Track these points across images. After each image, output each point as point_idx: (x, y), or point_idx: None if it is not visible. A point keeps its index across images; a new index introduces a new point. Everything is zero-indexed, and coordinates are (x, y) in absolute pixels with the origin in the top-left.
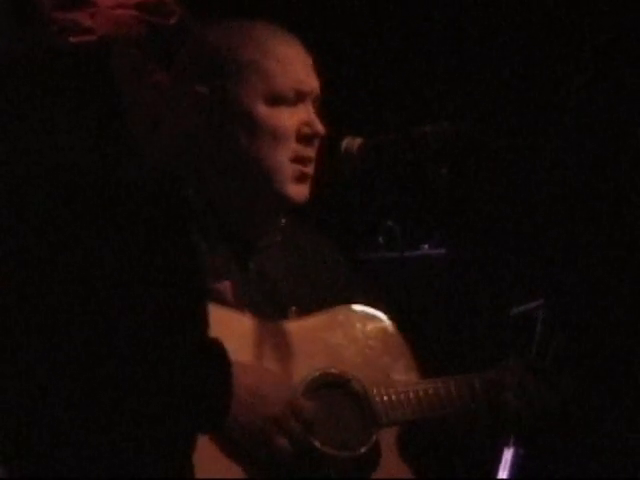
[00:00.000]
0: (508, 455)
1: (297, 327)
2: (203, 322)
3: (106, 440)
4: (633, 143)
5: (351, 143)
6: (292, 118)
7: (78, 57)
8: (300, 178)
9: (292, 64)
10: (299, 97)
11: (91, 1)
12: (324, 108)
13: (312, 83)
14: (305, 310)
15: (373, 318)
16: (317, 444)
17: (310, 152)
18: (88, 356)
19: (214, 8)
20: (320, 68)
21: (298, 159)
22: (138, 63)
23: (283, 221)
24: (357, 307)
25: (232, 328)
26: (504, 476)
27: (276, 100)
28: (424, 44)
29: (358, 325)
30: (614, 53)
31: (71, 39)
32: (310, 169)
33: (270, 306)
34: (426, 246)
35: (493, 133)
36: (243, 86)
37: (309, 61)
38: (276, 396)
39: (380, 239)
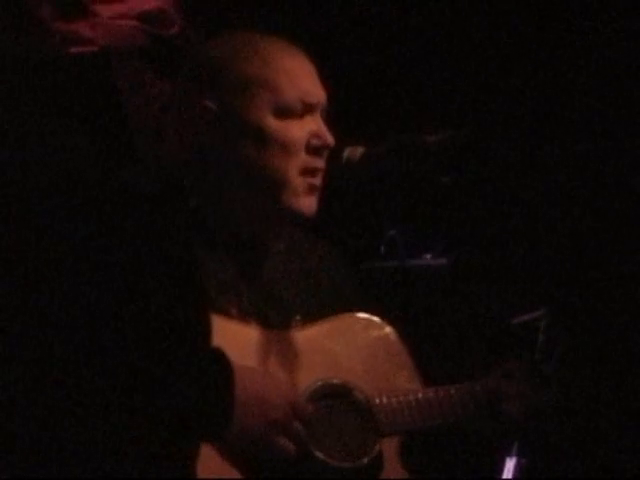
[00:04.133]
0: (510, 465)
1: (300, 336)
2: (205, 331)
3: (106, 448)
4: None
5: (353, 153)
6: (301, 130)
7: (79, 67)
8: (310, 190)
9: (298, 76)
10: (307, 109)
11: (92, 12)
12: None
13: (319, 94)
14: (309, 319)
15: (376, 326)
16: (319, 454)
17: (319, 163)
18: (87, 363)
19: (215, 19)
20: (322, 78)
21: (308, 171)
22: (139, 74)
23: (287, 230)
24: (360, 315)
25: (237, 339)
26: None
27: (284, 113)
28: (425, 53)
29: (361, 333)
30: (617, 56)
31: (72, 50)
32: (319, 180)
33: (274, 315)
34: (428, 255)
35: (496, 142)
36: (251, 100)
37: (314, 72)
38: (279, 401)
39: (382, 248)
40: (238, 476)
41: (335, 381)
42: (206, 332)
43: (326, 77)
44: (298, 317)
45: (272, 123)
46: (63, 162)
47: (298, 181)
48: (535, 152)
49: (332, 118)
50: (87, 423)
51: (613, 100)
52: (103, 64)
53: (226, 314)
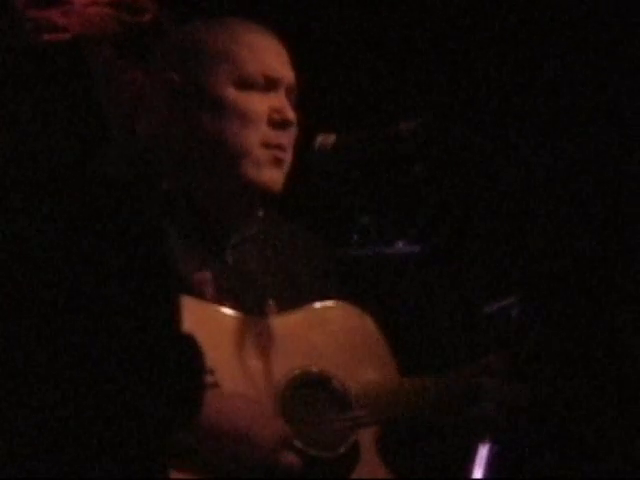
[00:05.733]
0: (484, 452)
1: (277, 323)
2: (176, 316)
3: (73, 437)
4: (609, 140)
5: (325, 140)
6: (262, 103)
7: (51, 55)
8: (273, 163)
9: (261, 50)
10: (270, 84)
11: None
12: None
13: (284, 72)
14: (283, 303)
15: (353, 315)
16: (297, 443)
17: (282, 138)
18: (53, 350)
19: (188, 7)
20: (295, 65)
21: (269, 144)
22: (112, 60)
23: (260, 214)
24: (337, 303)
25: (212, 323)
26: (479, 473)
27: (245, 85)
28: (398, 40)
29: (338, 322)
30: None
31: (45, 37)
32: (284, 156)
33: (248, 299)
34: (401, 243)
35: (468, 129)
36: (214, 72)
37: (283, 53)
38: (267, 434)
39: (354, 236)
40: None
41: (313, 369)
42: (178, 316)
43: (300, 64)
44: (271, 301)
45: (232, 93)
46: (35, 149)
47: (259, 152)
48: (507, 139)
49: (304, 105)
50: (56, 418)
51: (587, 84)
52: (75, 51)
53: (201, 297)
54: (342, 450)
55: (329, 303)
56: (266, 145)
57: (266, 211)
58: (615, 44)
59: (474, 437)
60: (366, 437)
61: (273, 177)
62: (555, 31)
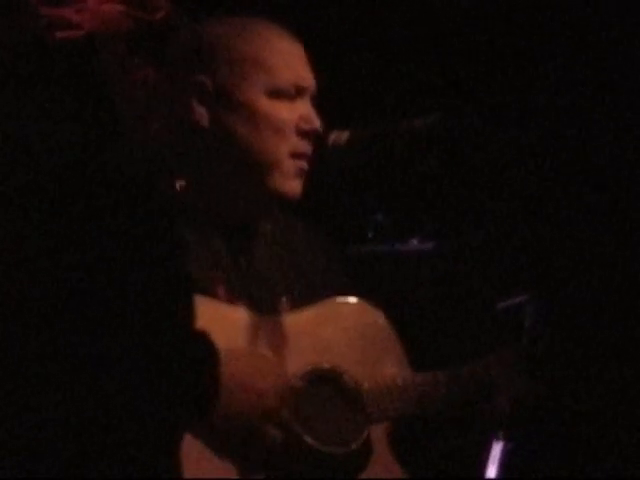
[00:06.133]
0: (497, 449)
1: (289, 320)
2: (189, 313)
3: (88, 433)
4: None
5: (339, 137)
6: (291, 113)
7: (65, 52)
8: (298, 174)
9: (293, 59)
10: (298, 92)
11: None
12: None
13: (310, 79)
14: (296, 300)
15: (365, 311)
16: (308, 439)
17: (308, 148)
18: (68, 346)
19: (201, 5)
20: (310, 62)
21: (297, 154)
22: (125, 58)
23: (274, 212)
24: (349, 299)
25: (225, 323)
26: (493, 470)
27: (277, 94)
28: (413, 36)
29: (350, 318)
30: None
31: (58, 34)
32: (306, 165)
33: (261, 297)
34: (415, 240)
35: (482, 125)
36: (245, 79)
37: (305, 57)
38: (266, 387)
39: (369, 233)
40: (228, 465)
41: (324, 366)
42: (190, 316)
43: (314, 61)
44: (284, 299)
45: (265, 103)
46: (49, 146)
47: (288, 163)
48: (522, 135)
49: (319, 101)
50: (68, 412)
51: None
52: (89, 49)
53: (214, 296)
54: (354, 446)
55: (341, 299)
56: (294, 156)
57: (278, 209)
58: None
59: (487, 432)
60: (378, 433)
61: (297, 188)
62: (575, 22)
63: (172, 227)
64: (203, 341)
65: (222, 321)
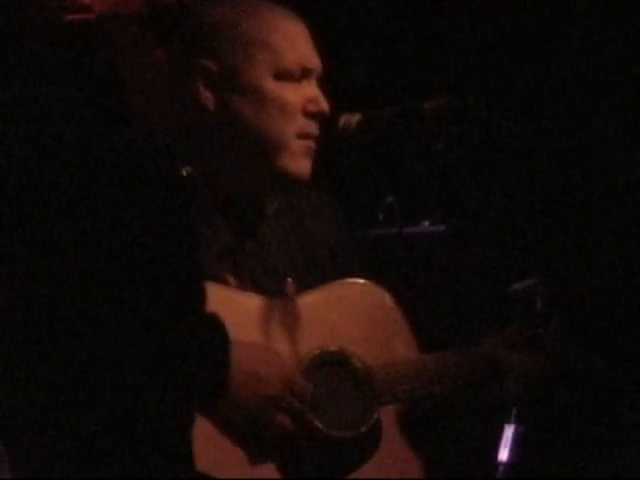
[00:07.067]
0: (509, 432)
1: (298, 304)
2: (200, 296)
3: (100, 418)
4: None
5: (349, 120)
6: (297, 94)
7: (76, 35)
8: (306, 154)
9: (299, 40)
10: (304, 74)
11: None
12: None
13: (316, 60)
14: (302, 281)
15: (373, 293)
16: (318, 424)
17: (315, 129)
18: (81, 331)
19: None
20: (318, 46)
21: (304, 135)
22: (135, 40)
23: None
24: (357, 281)
25: (234, 308)
26: (505, 453)
27: (283, 76)
28: (422, 19)
29: (359, 300)
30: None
31: (69, 17)
32: (314, 145)
33: (267, 280)
34: (426, 222)
35: (492, 108)
36: (251, 61)
37: (311, 39)
38: (275, 375)
39: (379, 215)
40: (239, 452)
41: (333, 349)
42: (202, 297)
43: (322, 44)
44: (290, 279)
45: (270, 84)
46: (59, 128)
47: (296, 143)
48: (531, 118)
49: (328, 85)
50: (79, 397)
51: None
52: (99, 31)
53: (224, 282)
54: (364, 429)
55: (348, 281)
56: (301, 136)
57: (289, 191)
58: None
59: (497, 413)
60: (388, 415)
61: (306, 168)
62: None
63: (188, 210)
64: (215, 324)
65: (231, 306)
